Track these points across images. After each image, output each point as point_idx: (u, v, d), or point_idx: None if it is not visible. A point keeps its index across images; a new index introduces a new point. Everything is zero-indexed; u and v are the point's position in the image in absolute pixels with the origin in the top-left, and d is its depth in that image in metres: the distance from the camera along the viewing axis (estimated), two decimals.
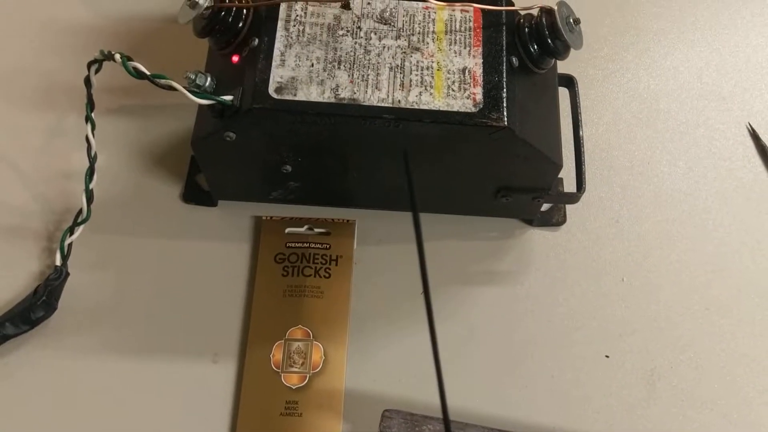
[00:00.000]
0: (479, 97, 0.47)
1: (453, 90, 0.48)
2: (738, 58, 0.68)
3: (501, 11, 0.50)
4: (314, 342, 0.54)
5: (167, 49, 0.65)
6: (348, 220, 0.59)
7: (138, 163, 0.61)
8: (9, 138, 0.62)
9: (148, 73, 0.47)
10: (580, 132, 0.56)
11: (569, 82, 0.59)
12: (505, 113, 0.47)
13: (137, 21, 0.68)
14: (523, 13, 0.51)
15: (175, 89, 0.46)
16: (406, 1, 0.50)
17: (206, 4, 0.49)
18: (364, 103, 0.47)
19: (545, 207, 0.59)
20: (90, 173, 0.55)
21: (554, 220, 0.60)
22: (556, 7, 0.49)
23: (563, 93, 0.58)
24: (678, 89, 0.67)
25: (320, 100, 0.47)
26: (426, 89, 0.48)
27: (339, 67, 0.48)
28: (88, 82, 0.53)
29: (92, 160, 0.55)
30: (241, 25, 0.50)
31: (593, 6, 0.71)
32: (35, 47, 0.66)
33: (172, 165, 0.61)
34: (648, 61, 0.68)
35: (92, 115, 0.54)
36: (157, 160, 0.61)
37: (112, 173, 0.60)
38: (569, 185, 0.60)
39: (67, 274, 0.55)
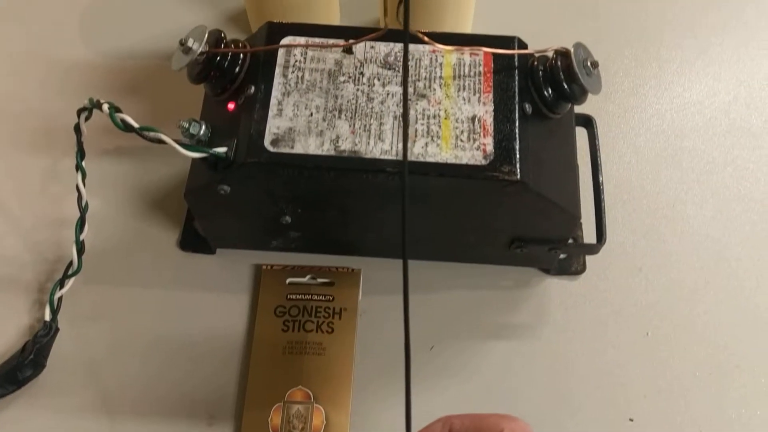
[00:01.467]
0: (490, 148, 0.44)
1: (462, 141, 0.44)
2: None
3: (513, 54, 0.47)
4: (315, 405, 0.50)
5: (169, 88, 0.63)
6: (352, 270, 0.55)
7: (133, 207, 0.59)
8: (4, 181, 0.60)
9: (136, 125, 0.44)
10: (600, 177, 0.53)
11: (587, 122, 0.55)
12: (517, 166, 0.44)
13: (138, 60, 0.65)
14: (537, 54, 0.48)
15: (164, 143, 0.44)
16: (411, 44, 0.47)
17: (200, 50, 0.46)
18: (366, 156, 0.44)
19: (563, 255, 0.56)
20: (81, 224, 0.52)
21: (573, 268, 0.56)
22: (572, 49, 0.46)
23: (581, 131, 0.54)
24: (704, 125, 0.63)
25: (319, 152, 0.44)
26: (433, 140, 0.44)
27: (340, 117, 0.45)
28: (78, 129, 0.50)
29: (83, 210, 0.52)
30: (237, 70, 0.47)
31: (612, 37, 0.67)
32: (34, 87, 0.64)
33: (169, 209, 0.58)
34: (671, 96, 0.64)
35: (83, 163, 0.51)
36: (153, 204, 0.59)
37: (107, 219, 0.58)
38: (588, 232, 0.57)
39: (57, 329, 0.53)
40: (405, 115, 0.33)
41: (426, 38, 0.46)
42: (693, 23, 0.68)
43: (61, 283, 0.53)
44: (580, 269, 0.56)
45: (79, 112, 0.49)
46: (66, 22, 0.68)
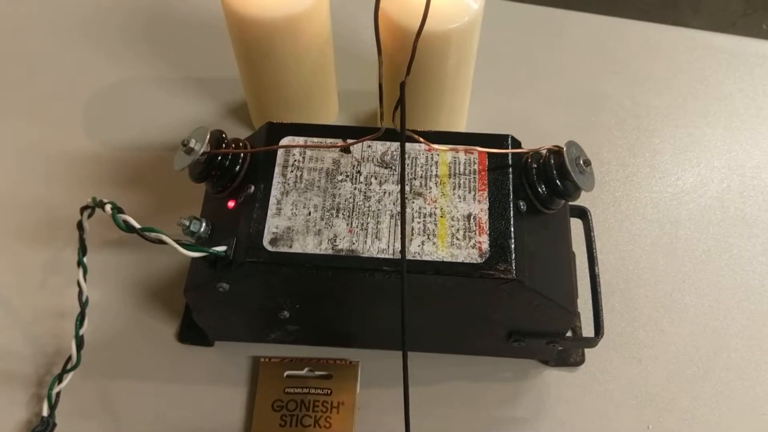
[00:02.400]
0: (485, 246, 0.45)
1: (457, 239, 0.45)
2: (761, 181, 0.65)
3: (507, 153, 0.48)
4: None
5: (171, 180, 0.64)
6: (351, 362, 0.55)
7: (133, 299, 0.59)
8: (6, 273, 0.60)
9: (137, 226, 0.44)
10: (596, 269, 0.53)
11: (582, 213, 0.56)
12: (513, 264, 0.44)
13: (138, 150, 0.67)
14: (530, 152, 0.49)
15: (165, 243, 0.44)
16: (408, 144, 0.48)
17: (202, 150, 0.47)
18: (364, 255, 0.44)
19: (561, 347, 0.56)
20: (81, 319, 0.52)
21: (572, 359, 0.56)
22: (564, 148, 0.47)
23: (576, 222, 0.55)
24: (699, 214, 0.64)
25: (317, 251, 0.45)
26: (429, 238, 0.45)
27: (337, 215, 0.46)
28: (80, 226, 0.51)
29: (83, 305, 0.52)
30: (237, 169, 0.48)
31: (605, 128, 0.69)
32: (38, 179, 0.66)
33: (168, 301, 0.59)
34: (665, 184, 0.65)
35: (84, 260, 0.51)
36: (153, 295, 0.59)
37: (107, 310, 0.58)
38: (587, 321, 0.57)
39: (54, 425, 0.52)
40: (402, 215, 0.34)
41: (421, 138, 0.47)
42: (684, 112, 0.70)
43: (59, 378, 0.53)
44: (579, 360, 0.56)
45: (82, 210, 0.50)
46: (70, 115, 0.70)
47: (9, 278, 0.60)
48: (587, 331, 0.56)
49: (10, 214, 0.63)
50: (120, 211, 0.45)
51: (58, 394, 0.53)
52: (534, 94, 0.71)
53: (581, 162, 0.47)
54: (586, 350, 0.57)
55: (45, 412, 0.52)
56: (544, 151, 0.48)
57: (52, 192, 0.64)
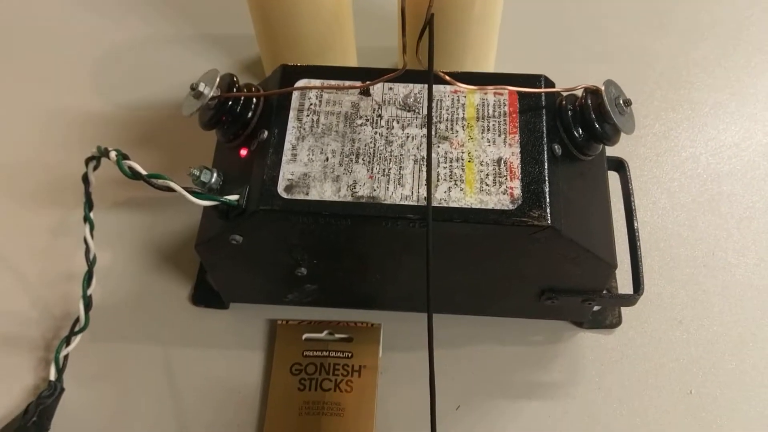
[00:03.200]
0: (518, 192, 0.41)
1: (487, 184, 0.42)
2: None
3: (540, 93, 0.44)
4: None
5: (182, 138, 0.61)
6: (372, 324, 0.52)
7: (144, 261, 0.56)
8: (11, 236, 0.58)
9: (144, 173, 0.42)
10: (635, 223, 0.50)
11: (619, 165, 0.52)
12: (548, 210, 0.41)
13: (149, 110, 0.64)
14: (565, 93, 0.45)
15: (173, 190, 0.41)
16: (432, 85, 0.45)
17: (212, 94, 0.44)
18: (385, 202, 0.41)
19: (597, 307, 0.52)
20: (88, 278, 0.50)
21: (608, 321, 0.53)
22: (603, 87, 0.43)
23: (613, 177, 0.52)
24: (741, 168, 0.60)
25: (335, 199, 0.41)
26: (456, 184, 0.42)
27: (357, 161, 0.43)
28: (86, 179, 0.48)
29: (91, 263, 0.50)
30: (249, 115, 0.45)
31: (641, 79, 0.65)
32: (42, 138, 0.63)
33: (181, 263, 0.56)
34: (705, 138, 0.61)
35: (90, 215, 0.49)
36: (165, 257, 0.56)
37: (116, 272, 0.56)
38: (623, 282, 0.53)
39: (62, 389, 0.50)
40: (429, 156, 0.31)
41: (447, 77, 0.44)
42: (725, 63, 0.66)
43: (67, 341, 0.51)
44: (616, 322, 0.53)
45: (87, 161, 0.47)
46: (79, 74, 0.67)
47: (17, 241, 0.58)
48: (624, 290, 0.53)
49: (18, 176, 0.61)
50: (125, 157, 0.43)
51: (66, 357, 0.51)
52: (566, 41, 0.67)
53: (621, 102, 0.43)
54: (623, 311, 0.53)
55: (52, 376, 0.50)
56: (581, 92, 0.45)
57: (61, 153, 0.62)
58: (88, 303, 0.50)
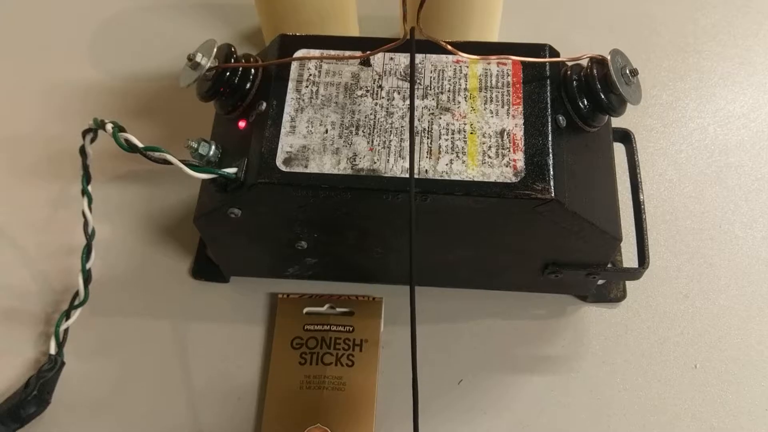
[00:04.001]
0: (521, 164, 0.40)
1: (489, 156, 0.41)
2: None
3: (544, 63, 0.43)
4: None
5: (181, 109, 0.61)
6: (374, 298, 0.52)
7: (144, 234, 0.56)
8: (10, 210, 0.57)
9: (140, 145, 0.41)
10: (641, 196, 0.49)
11: (625, 137, 0.51)
12: (551, 183, 0.40)
13: (148, 80, 0.63)
14: (570, 63, 0.44)
15: (170, 163, 0.41)
16: (434, 55, 0.44)
17: (209, 65, 0.43)
18: (386, 175, 0.40)
19: (601, 281, 0.52)
20: (87, 252, 0.49)
21: (612, 295, 0.52)
22: (609, 57, 0.42)
23: (618, 149, 0.51)
24: (750, 140, 0.59)
25: (335, 171, 0.41)
26: (458, 156, 0.41)
27: (357, 133, 0.42)
28: (83, 152, 0.47)
29: (89, 237, 0.49)
30: (248, 86, 0.44)
31: (647, 48, 0.63)
32: (40, 111, 0.62)
33: (181, 236, 0.56)
34: (714, 109, 0.60)
35: (89, 188, 0.48)
36: (165, 231, 0.56)
37: (116, 246, 0.55)
38: (628, 255, 0.53)
39: (63, 363, 0.50)
40: (411, 120, 0.30)
41: (449, 47, 0.42)
42: (734, 31, 0.64)
43: (67, 315, 0.50)
44: (620, 296, 0.52)
45: (84, 133, 0.46)
46: (77, 45, 0.66)
47: (15, 215, 0.57)
48: (629, 264, 0.52)
49: (17, 149, 0.60)
50: (122, 129, 0.42)
51: (66, 331, 0.51)
52: (572, 10, 0.66)
53: (627, 72, 0.42)
54: (628, 285, 0.52)
55: (52, 350, 0.50)
56: (586, 61, 0.44)
57: (60, 126, 0.61)
58: (87, 277, 0.50)
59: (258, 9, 0.61)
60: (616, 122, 0.49)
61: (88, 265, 0.50)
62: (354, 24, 0.63)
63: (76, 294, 0.50)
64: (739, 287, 0.52)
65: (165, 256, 0.55)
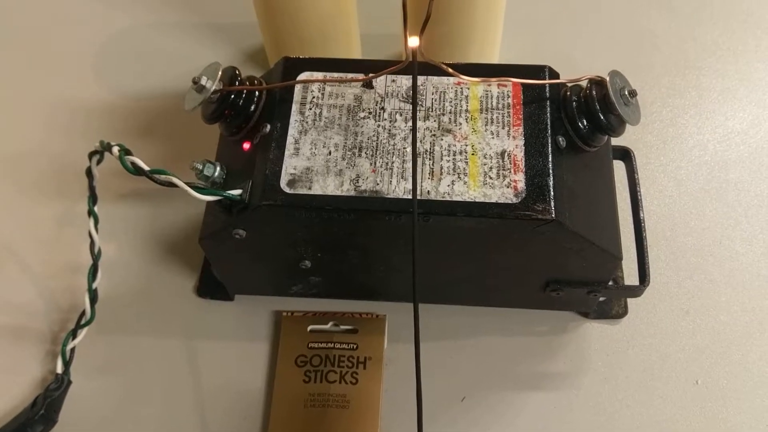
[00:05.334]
0: (521, 185, 0.41)
1: (490, 177, 0.41)
2: None
3: (544, 85, 0.44)
4: None
5: (186, 128, 0.61)
6: (377, 315, 0.52)
7: (149, 253, 0.56)
8: (17, 227, 0.58)
9: (146, 168, 0.42)
10: (641, 214, 0.49)
11: (625, 155, 0.52)
12: (552, 203, 0.40)
13: (153, 99, 0.64)
14: (569, 84, 0.45)
15: (175, 186, 0.41)
16: (435, 77, 0.44)
17: (214, 88, 0.44)
18: (389, 196, 0.41)
19: (603, 298, 0.52)
20: (93, 271, 0.50)
21: (614, 311, 0.53)
22: (608, 78, 0.43)
23: (618, 166, 0.51)
24: (750, 156, 0.59)
25: (338, 193, 0.41)
26: (459, 177, 0.41)
27: (360, 155, 0.42)
28: (89, 173, 0.48)
29: (96, 257, 0.50)
30: (252, 108, 0.45)
31: (648, 64, 0.64)
32: (45, 128, 0.63)
33: (186, 255, 0.56)
34: (713, 125, 0.61)
35: (95, 208, 0.49)
36: (170, 249, 0.56)
37: (121, 265, 0.56)
38: (629, 272, 0.53)
39: (69, 382, 0.50)
40: (413, 150, 0.31)
41: (450, 69, 0.43)
42: (733, 48, 0.65)
43: (73, 334, 0.51)
44: (622, 312, 0.53)
45: (91, 155, 0.47)
46: (83, 63, 0.67)
47: (22, 233, 0.58)
48: (630, 280, 0.53)
49: (23, 166, 0.61)
50: (128, 152, 0.42)
51: (72, 350, 0.51)
52: (572, 28, 0.67)
53: (626, 93, 0.43)
54: (629, 301, 0.53)
55: (59, 369, 0.50)
56: (585, 82, 0.44)
57: (63, 143, 0.62)
58: (93, 296, 0.50)
59: (261, 28, 0.61)
60: (616, 139, 0.50)
61: (94, 285, 0.50)
62: (356, 42, 0.63)
63: (83, 313, 0.51)
64: (740, 303, 0.53)
65: (170, 275, 0.55)
